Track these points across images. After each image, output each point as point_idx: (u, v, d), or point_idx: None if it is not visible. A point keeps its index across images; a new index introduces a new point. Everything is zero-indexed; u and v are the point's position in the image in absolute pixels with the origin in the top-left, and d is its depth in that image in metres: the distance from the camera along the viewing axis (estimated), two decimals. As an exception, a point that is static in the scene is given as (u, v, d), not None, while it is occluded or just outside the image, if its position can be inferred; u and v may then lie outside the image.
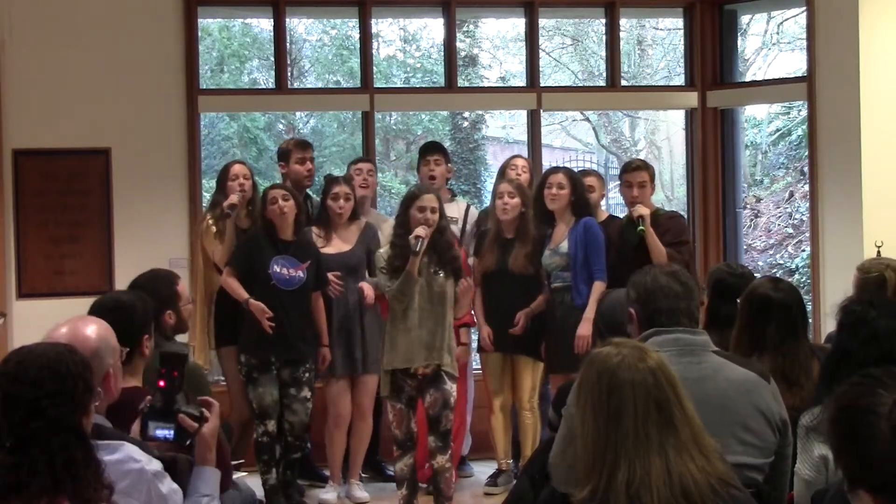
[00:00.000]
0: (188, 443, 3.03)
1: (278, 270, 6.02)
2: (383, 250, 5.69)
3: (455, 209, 6.83)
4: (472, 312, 6.39)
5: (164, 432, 2.99)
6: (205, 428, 3.05)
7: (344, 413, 6.36)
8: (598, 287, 6.03)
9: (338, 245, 6.38)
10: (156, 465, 2.85)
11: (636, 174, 6.40)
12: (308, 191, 6.85)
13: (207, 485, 3.07)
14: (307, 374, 6.11)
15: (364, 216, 6.58)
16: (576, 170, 6.88)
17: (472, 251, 6.56)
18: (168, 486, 2.85)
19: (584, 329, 5.99)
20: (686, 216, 7.84)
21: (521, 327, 6.29)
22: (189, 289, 6.18)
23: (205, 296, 6.33)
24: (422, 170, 6.85)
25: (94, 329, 3.03)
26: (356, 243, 6.39)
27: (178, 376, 3.03)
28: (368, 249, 6.29)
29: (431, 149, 6.97)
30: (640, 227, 6.14)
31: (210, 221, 6.32)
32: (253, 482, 5.46)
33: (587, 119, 13.60)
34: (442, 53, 8.19)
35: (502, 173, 6.75)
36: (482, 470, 6.85)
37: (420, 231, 5.49)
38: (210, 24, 11.18)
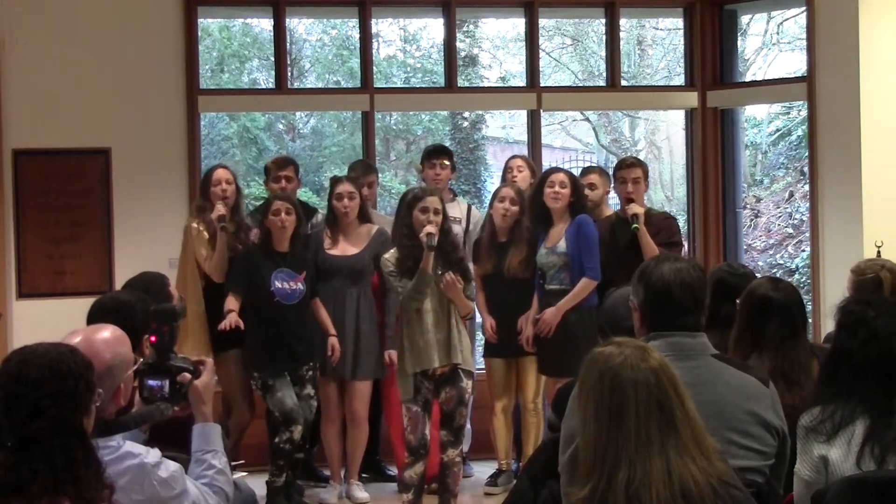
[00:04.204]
0: (182, 392, 3.09)
1: (280, 286, 6.00)
2: (389, 255, 5.67)
3: (457, 209, 6.79)
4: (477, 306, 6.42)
5: (158, 382, 3.06)
6: (197, 381, 3.11)
7: (333, 412, 6.35)
8: (584, 283, 6.06)
9: (344, 248, 6.35)
10: (153, 455, 2.86)
11: (631, 170, 6.44)
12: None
13: (209, 441, 3.12)
14: (310, 372, 6.12)
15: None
16: (579, 167, 6.87)
17: (471, 256, 6.53)
18: (168, 469, 2.86)
19: (551, 315, 6.07)
20: (686, 216, 7.83)
21: (528, 336, 6.27)
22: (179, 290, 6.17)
23: (194, 295, 6.21)
24: (427, 172, 6.77)
25: (108, 344, 2.97)
26: (364, 248, 6.34)
27: (169, 331, 3.12)
28: (376, 255, 6.12)
29: (440, 151, 6.88)
30: (635, 226, 6.16)
31: (201, 227, 6.22)
32: (253, 482, 5.45)
33: (587, 119, 13.59)
34: (442, 53, 8.19)
35: (504, 177, 6.76)
36: (482, 470, 6.84)
37: (430, 228, 5.49)
38: (210, 24, 11.17)
